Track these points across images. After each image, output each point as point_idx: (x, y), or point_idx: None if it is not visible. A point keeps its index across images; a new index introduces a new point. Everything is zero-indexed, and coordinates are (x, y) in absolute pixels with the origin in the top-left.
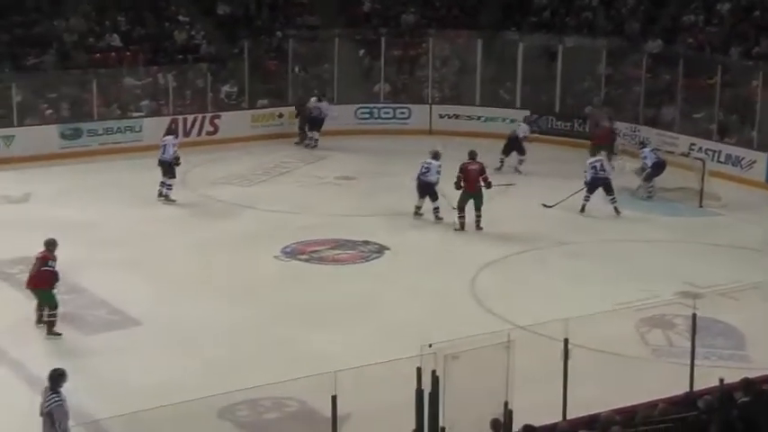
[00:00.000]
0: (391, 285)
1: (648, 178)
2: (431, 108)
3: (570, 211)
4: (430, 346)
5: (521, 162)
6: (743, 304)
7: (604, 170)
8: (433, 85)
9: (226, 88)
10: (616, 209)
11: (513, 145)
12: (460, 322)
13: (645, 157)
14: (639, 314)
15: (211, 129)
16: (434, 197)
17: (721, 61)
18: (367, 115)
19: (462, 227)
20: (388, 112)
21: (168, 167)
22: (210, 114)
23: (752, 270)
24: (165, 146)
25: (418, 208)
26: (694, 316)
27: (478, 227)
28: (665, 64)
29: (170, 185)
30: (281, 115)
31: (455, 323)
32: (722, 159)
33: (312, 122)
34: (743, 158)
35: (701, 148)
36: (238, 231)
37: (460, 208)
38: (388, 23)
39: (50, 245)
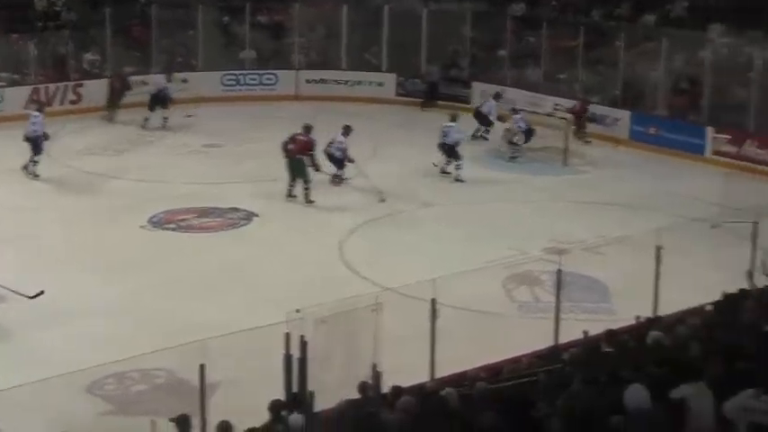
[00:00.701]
0: (261, 252)
1: (518, 142)
2: (297, 73)
3: (436, 174)
4: (298, 311)
5: (482, 131)
6: (607, 259)
7: (447, 135)
8: (300, 50)
9: (88, 56)
10: (457, 177)
11: (480, 118)
12: (330, 286)
13: (516, 123)
14: (506, 272)
15: (74, 98)
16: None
17: (584, 23)
18: (233, 82)
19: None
20: (254, 79)
21: (36, 144)
22: (73, 83)
23: (616, 225)
24: (33, 123)
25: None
26: (559, 271)
27: (307, 200)
28: (528, 26)
29: (36, 161)
30: (145, 83)
31: (324, 288)
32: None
33: (155, 100)
34: (607, 117)
35: (565, 108)
36: (105, 203)
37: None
38: None
39: None
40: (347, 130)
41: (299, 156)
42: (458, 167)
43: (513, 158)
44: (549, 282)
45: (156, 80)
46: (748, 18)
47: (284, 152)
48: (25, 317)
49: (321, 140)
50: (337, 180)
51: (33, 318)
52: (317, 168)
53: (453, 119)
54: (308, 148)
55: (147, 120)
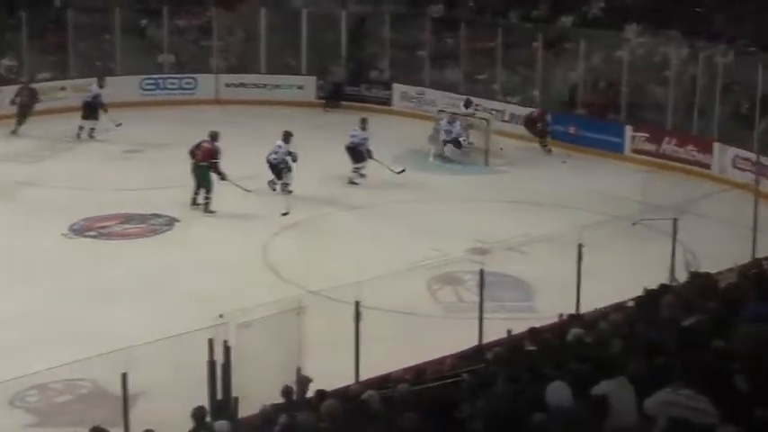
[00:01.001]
0: (183, 257)
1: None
2: (217, 77)
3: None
4: (221, 316)
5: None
6: (530, 257)
7: (355, 136)
8: (219, 54)
9: (5, 62)
10: (351, 180)
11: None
12: (254, 291)
13: (449, 130)
14: (431, 273)
15: None
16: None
17: (501, 24)
18: (152, 86)
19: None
20: (173, 83)
21: None
22: None
23: (538, 224)
24: None
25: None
26: (482, 271)
27: (207, 209)
28: (447, 28)
29: None
30: (63, 89)
31: (248, 292)
32: (506, 118)
33: (89, 108)
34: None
35: (485, 109)
36: (24, 210)
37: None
38: None
39: None
40: (287, 137)
41: (202, 163)
42: (356, 170)
43: (440, 157)
44: (472, 282)
45: (91, 87)
46: (663, 18)
47: (191, 158)
48: None
49: (243, 144)
50: (279, 186)
51: None
52: (221, 177)
53: (363, 125)
54: (211, 155)
55: (81, 129)
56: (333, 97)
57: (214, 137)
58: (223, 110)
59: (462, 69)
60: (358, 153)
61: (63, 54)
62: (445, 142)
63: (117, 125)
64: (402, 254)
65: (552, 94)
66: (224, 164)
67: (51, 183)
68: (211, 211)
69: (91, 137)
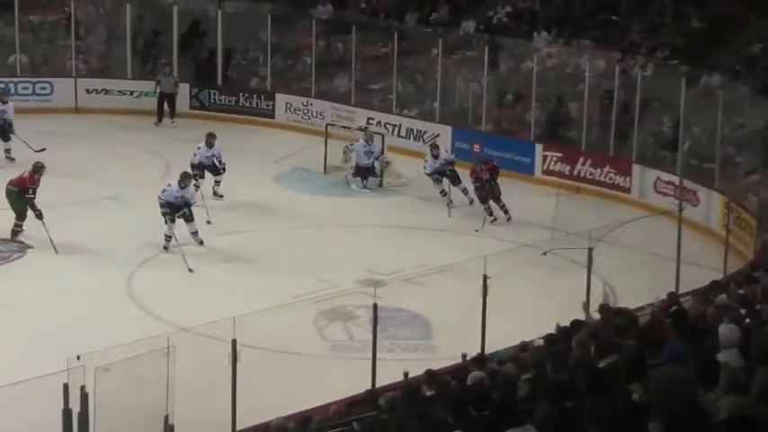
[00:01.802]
0: (35, 288)
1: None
2: (76, 82)
3: (240, 198)
4: (78, 358)
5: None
6: (429, 290)
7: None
8: (78, 56)
9: None
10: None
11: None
12: (116, 328)
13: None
14: (317, 307)
15: None
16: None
17: (397, 28)
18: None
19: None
20: (26, 88)
21: None
22: None
23: (437, 252)
24: None
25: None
26: (375, 306)
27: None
28: (337, 31)
29: None
30: None
31: (109, 330)
32: (402, 133)
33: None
34: (425, 132)
35: (379, 122)
36: None
37: None
38: None
39: None
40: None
41: (12, 188)
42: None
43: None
44: (364, 317)
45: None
46: (575, 26)
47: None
48: None
49: (101, 161)
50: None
51: None
52: (35, 212)
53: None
54: (23, 184)
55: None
56: (162, 108)
57: (38, 170)
58: (82, 119)
59: (354, 78)
60: (212, 167)
61: None
62: (360, 169)
63: (38, 150)
64: (285, 286)
65: (453, 107)
66: (84, 181)
67: None
68: (18, 241)
69: (10, 158)
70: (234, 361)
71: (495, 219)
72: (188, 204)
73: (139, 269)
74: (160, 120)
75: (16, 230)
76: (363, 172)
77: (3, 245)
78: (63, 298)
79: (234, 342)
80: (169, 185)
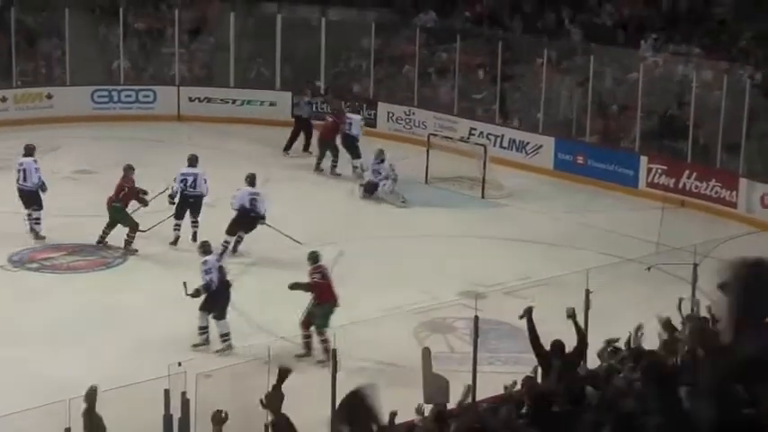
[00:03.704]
0: (137, 295)
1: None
2: (179, 90)
3: (340, 207)
4: (179, 364)
5: (356, 168)
6: (531, 303)
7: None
8: (181, 63)
9: None
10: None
11: (347, 143)
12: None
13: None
14: (417, 318)
15: None
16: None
17: (502, 37)
18: (105, 99)
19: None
20: (129, 96)
21: (34, 197)
22: None
23: (540, 265)
24: (24, 170)
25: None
26: (476, 318)
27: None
28: (440, 39)
29: (38, 219)
30: (4, 99)
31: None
32: (505, 144)
33: None
34: (527, 143)
35: (482, 133)
36: None
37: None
38: None
39: None
40: (252, 180)
41: (115, 203)
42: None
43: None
44: (465, 330)
45: None
46: (682, 32)
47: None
48: None
49: (205, 168)
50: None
51: None
52: (143, 203)
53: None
54: (119, 192)
55: None
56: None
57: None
58: (185, 127)
59: (457, 87)
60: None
61: (4, 58)
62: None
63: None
64: (385, 296)
65: (557, 117)
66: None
67: None
68: (133, 250)
69: None
70: (334, 370)
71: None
72: (259, 215)
73: (240, 278)
74: (288, 147)
75: (129, 240)
76: (371, 188)
77: (105, 250)
78: (163, 305)
79: (334, 352)
80: (238, 190)
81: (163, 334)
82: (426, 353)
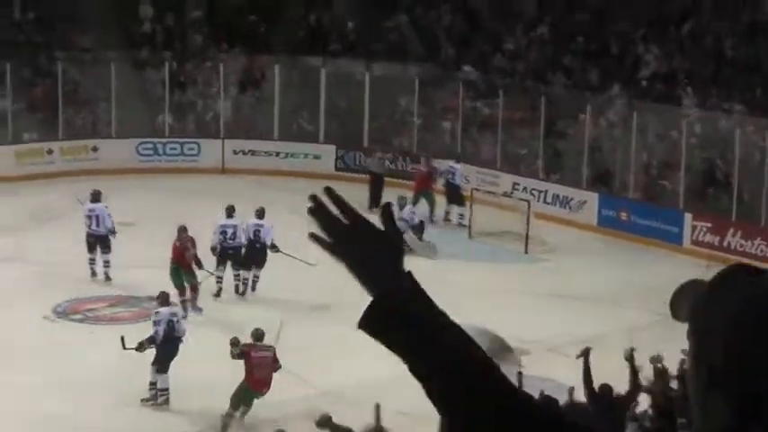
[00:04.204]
0: (182, 346)
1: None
2: (223, 143)
3: None
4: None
5: (461, 216)
6: (574, 360)
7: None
8: (226, 116)
9: None
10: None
11: (451, 192)
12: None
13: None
14: None
15: None
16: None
17: (545, 92)
18: (150, 151)
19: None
20: (174, 148)
21: (105, 241)
22: None
23: (583, 322)
24: (97, 216)
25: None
26: (519, 374)
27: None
28: (481, 94)
29: (108, 262)
30: (50, 151)
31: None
32: (549, 200)
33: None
34: (571, 199)
35: (525, 188)
36: (1, 290)
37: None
38: (172, 45)
39: None
40: (261, 214)
41: (174, 265)
42: None
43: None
44: None
45: None
46: (724, 86)
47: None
48: None
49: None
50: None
51: None
52: (198, 266)
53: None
54: (178, 255)
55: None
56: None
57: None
58: (229, 180)
59: (500, 141)
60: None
61: (52, 112)
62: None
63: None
64: None
65: (600, 171)
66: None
67: (32, 258)
68: (198, 309)
69: None
70: (377, 422)
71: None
72: (265, 246)
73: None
74: (373, 204)
75: (184, 304)
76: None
77: (148, 302)
78: (212, 356)
79: (377, 407)
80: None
81: (207, 387)
82: None
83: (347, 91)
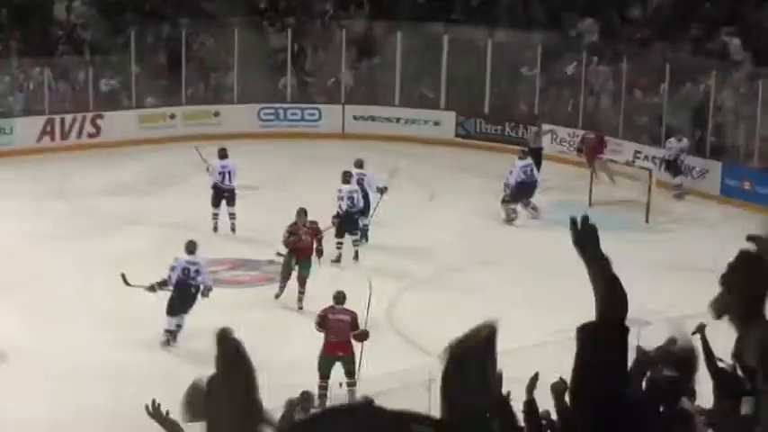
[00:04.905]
0: (299, 311)
1: (511, 199)
2: (344, 108)
3: (500, 228)
4: (341, 385)
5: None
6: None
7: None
8: (347, 82)
9: (104, 81)
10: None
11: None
12: (376, 356)
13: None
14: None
15: (93, 130)
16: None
17: (669, 58)
18: (272, 117)
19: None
20: (295, 114)
21: (233, 195)
22: (92, 114)
23: (705, 295)
24: (229, 171)
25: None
26: (638, 347)
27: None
28: (604, 60)
29: (234, 215)
30: (172, 116)
31: (369, 358)
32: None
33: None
34: (694, 168)
35: (647, 156)
36: (124, 250)
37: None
38: (295, 11)
39: None
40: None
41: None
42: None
43: (509, 220)
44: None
45: None
46: None
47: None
48: (33, 375)
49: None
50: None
51: (37, 376)
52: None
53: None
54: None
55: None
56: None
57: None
58: (349, 145)
59: (622, 109)
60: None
61: (174, 77)
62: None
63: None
64: (545, 320)
65: (725, 141)
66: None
67: (155, 220)
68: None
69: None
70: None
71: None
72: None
73: (399, 299)
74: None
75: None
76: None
77: (268, 265)
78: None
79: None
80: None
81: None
82: None
83: (468, 58)
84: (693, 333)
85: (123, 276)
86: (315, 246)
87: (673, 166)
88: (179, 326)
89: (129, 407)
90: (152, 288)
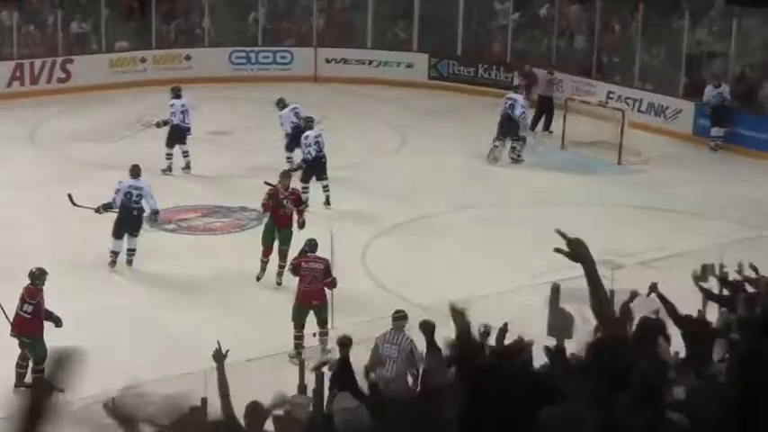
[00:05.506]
0: (271, 258)
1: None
2: (316, 51)
3: (473, 171)
4: (314, 335)
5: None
6: (665, 275)
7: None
8: (319, 24)
9: (74, 26)
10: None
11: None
12: (351, 301)
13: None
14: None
15: (63, 75)
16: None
17: None
18: (243, 60)
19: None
20: (267, 57)
21: (186, 134)
22: (62, 58)
23: (678, 235)
24: (187, 110)
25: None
26: (612, 291)
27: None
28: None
29: (188, 152)
30: (143, 60)
31: (345, 302)
32: (643, 108)
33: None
34: (667, 107)
35: (619, 97)
36: (96, 197)
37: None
38: None
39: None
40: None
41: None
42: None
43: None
44: None
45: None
46: None
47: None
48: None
49: (341, 127)
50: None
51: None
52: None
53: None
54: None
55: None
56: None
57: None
58: (321, 88)
59: (595, 49)
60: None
61: (145, 20)
62: None
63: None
64: (517, 265)
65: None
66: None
67: (127, 166)
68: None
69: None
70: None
71: None
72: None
73: (374, 241)
74: (546, 127)
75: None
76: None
77: (240, 212)
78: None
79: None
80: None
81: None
82: (555, 288)
83: None
84: (648, 294)
85: (70, 196)
86: (296, 217)
87: (716, 114)
88: (131, 250)
89: (105, 347)
90: (98, 210)
